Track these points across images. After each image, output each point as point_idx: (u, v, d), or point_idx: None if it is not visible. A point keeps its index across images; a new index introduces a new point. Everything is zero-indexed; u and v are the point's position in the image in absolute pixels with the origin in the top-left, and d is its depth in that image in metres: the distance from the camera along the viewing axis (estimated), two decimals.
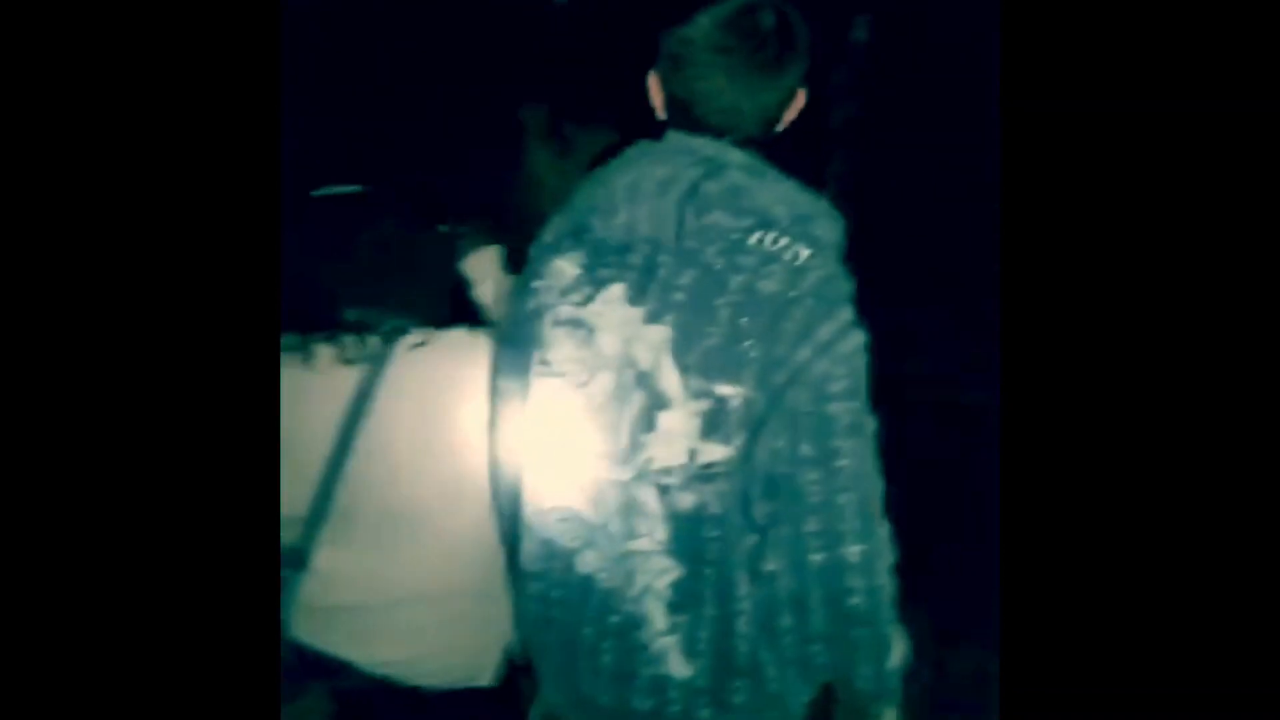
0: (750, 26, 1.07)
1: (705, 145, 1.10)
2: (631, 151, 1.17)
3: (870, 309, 1.13)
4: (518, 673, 1.55)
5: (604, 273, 1.11)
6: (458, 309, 1.53)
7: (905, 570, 1.12)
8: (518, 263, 1.54)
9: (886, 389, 1.15)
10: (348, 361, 1.37)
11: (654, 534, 1.09)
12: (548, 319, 1.15)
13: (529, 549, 1.22)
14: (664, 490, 1.08)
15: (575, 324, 1.12)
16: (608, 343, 1.10)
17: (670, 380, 1.06)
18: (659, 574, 1.10)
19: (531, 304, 1.17)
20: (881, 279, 1.45)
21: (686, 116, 1.12)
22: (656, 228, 1.08)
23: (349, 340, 1.38)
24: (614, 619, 1.14)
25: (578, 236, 1.14)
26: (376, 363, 1.37)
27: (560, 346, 1.13)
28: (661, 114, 1.18)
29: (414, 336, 1.40)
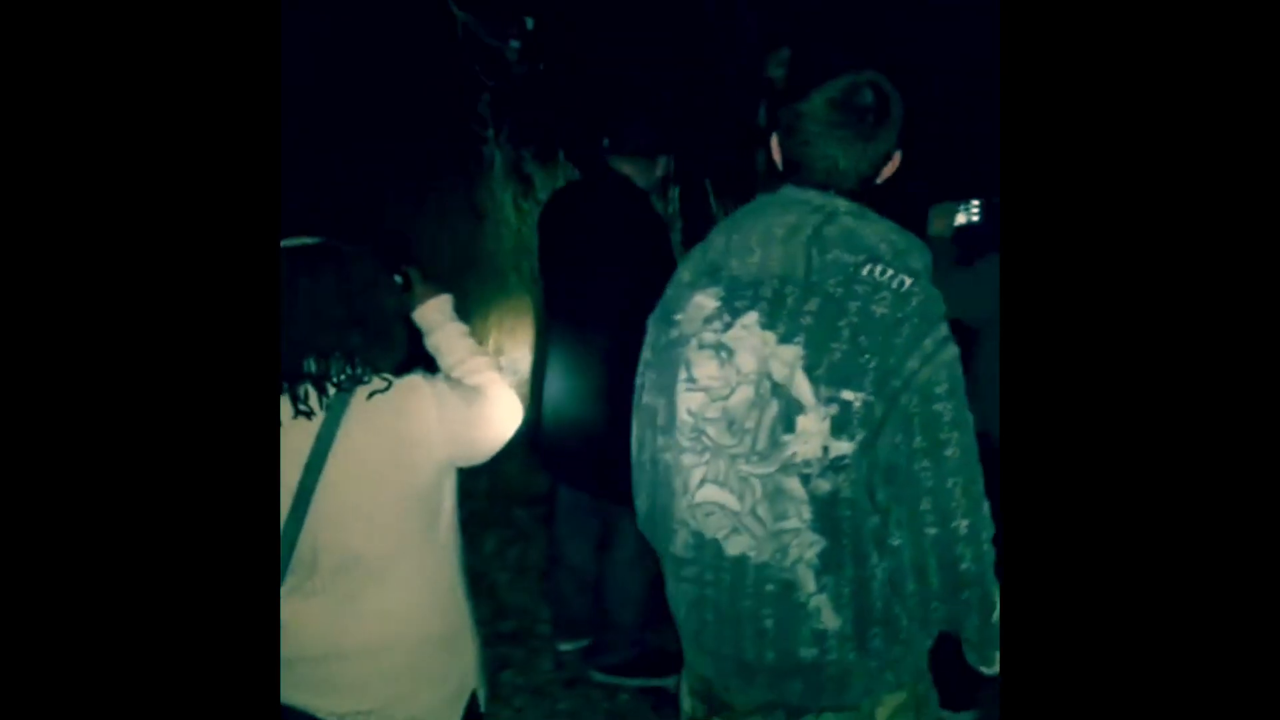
0: (854, 103, 1.33)
1: (818, 197, 1.35)
2: (755, 203, 1.42)
3: None
4: None
5: (740, 304, 1.35)
6: (415, 356, 1.55)
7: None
8: (466, 310, 1.60)
9: None
10: (304, 413, 1.39)
11: (800, 514, 1.32)
12: (692, 344, 1.38)
13: (681, 540, 1.43)
14: (805, 479, 1.31)
15: (717, 347, 1.35)
16: (745, 361, 1.33)
17: (804, 389, 1.29)
18: (808, 546, 1.33)
19: (674, 333, 1.42)
20: None
21: (800, 173, 1.38)
22: (785, 265, 1.32)
23: (307, 391, 1.39)
24: (770, 587, 1.36)
25: (713, 275, 1.39)
26: (333, 412, 1.39)
27: (704, 366, 1.37)
28: (779, 168, 1.43)
29: (370, 386, 1.42)
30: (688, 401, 1.39)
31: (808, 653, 1.37)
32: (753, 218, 1.39)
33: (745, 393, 1.33)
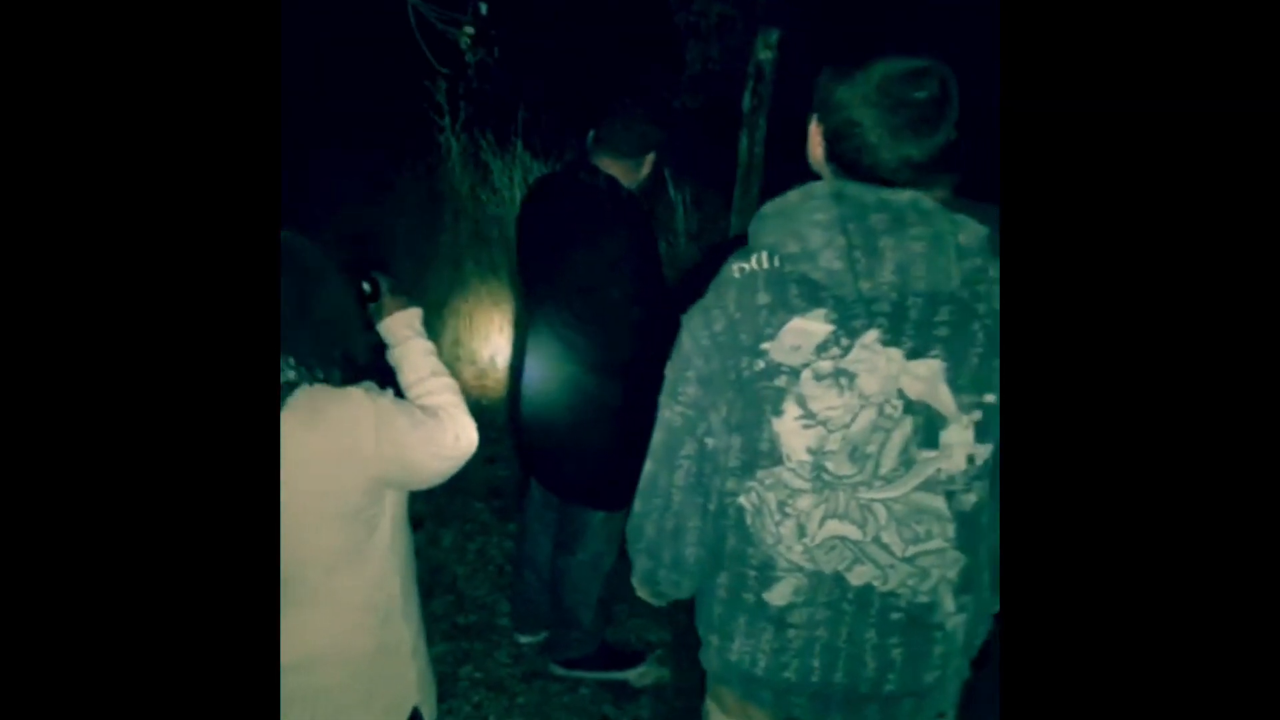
0: (917, 90, 1.20)
1: (895, 194, 1.23)
2: (812, 201, 1.25)
3: None
4: None
5: (856, 323, 1.23)
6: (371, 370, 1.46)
7: None
8: (424, 300, 1.52)
9: None
10: None
11: (945, 533, 1.27)
12: (804, 375, 1.25)
13: (790, 586, 1.33)
14: (950, 495, 1.26)
15: (837, 375, 1.24)
16: (868, 384, 1.24)
17: (948, 402, 1.23)
18: (950, 565, 1.29)
19: (760, 364, 1.26)
20: None
21: (850, 168, 1.25)
22: (933, 280, 1.21)
23: None
24: (896, 616, 1.31)
25: (814, 296, 1.24)
26: None
27: (823, 398, 1.25)
28: (818, 155, 1.30)
29: (302, 394, 1.34)
30: (804, 440, 1.26)
31: (931, 676, 1.33)
32: (841, 225, 1.22)
33: (867, 417, 1.25)
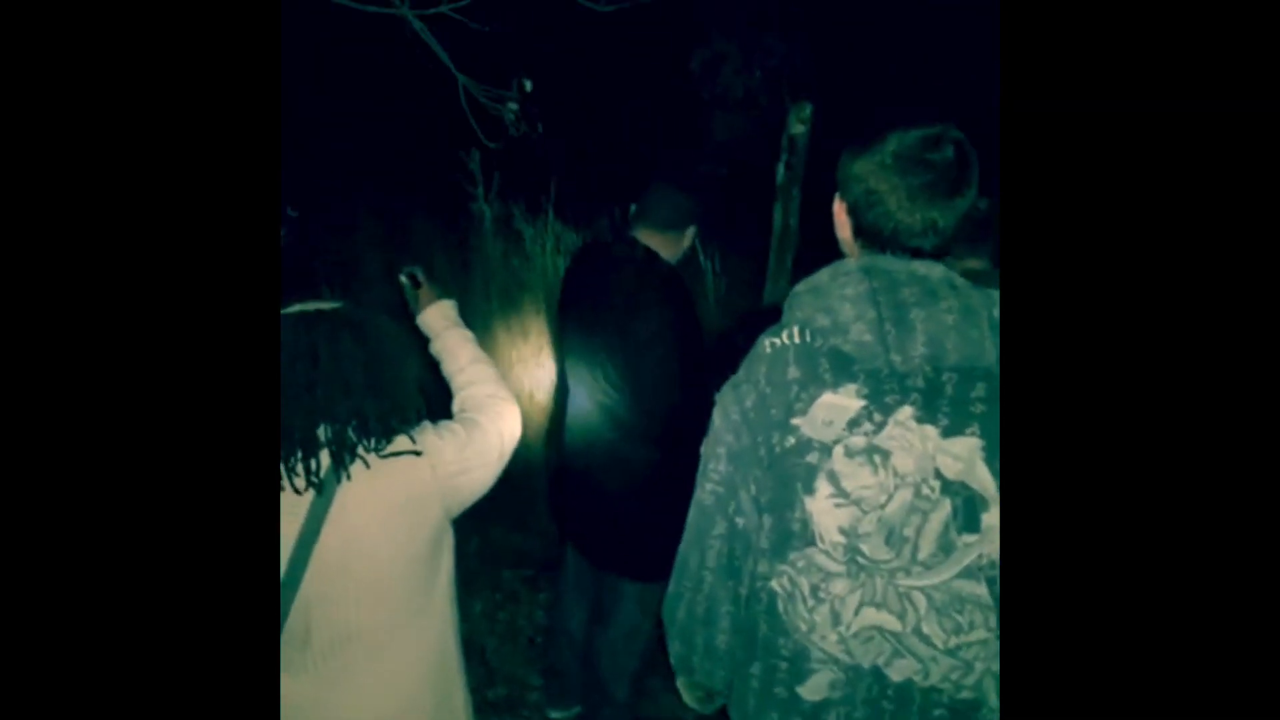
0: (935, 156, 1.18)
1: (926, 268, 1.19)
2: (843, 277, 1.22)
3: None
4: None
5: (890, 399, 1.17)
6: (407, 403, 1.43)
7: None
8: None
9: None
10: (314, 485, 1.28)
11: (988, 623, 1.18)
12: (836, 452, 1.19)
13: (824, 680, 1.25)
14: (992, 582, 1.17)
15: (870, 452, 1.18)
16: (903, 463, 1.16)
17: (987, 483, 1.15)
18: (995, 657, 1.19)
19: (791, 440, 1.21)
20: None
21: (876, 238, 1.22)
22: (967, 355, 1.15)
23: (316, 461, 1.29)
24: (939, 712, 1.21)
25: (845, 370, 1.19)
26: (327, 482, 1.29)
27: (856, 475, 1.18)
28: (846, 235, 1.27)
29: (362, 452, 1.32)
30: (837, 519, 1.19)
31: None
32: (872, 298, 1.18)
33: (903, 498, 1.17)
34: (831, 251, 1.31)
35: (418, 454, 1.34)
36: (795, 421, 1.21)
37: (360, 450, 1.31)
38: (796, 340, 1.23)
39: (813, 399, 1.20)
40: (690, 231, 2.37)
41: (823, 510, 1.20)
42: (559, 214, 4.37)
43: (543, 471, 3.57)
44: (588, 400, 2.41)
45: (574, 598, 2.68)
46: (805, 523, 1.21)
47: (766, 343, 1.26)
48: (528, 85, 2.44)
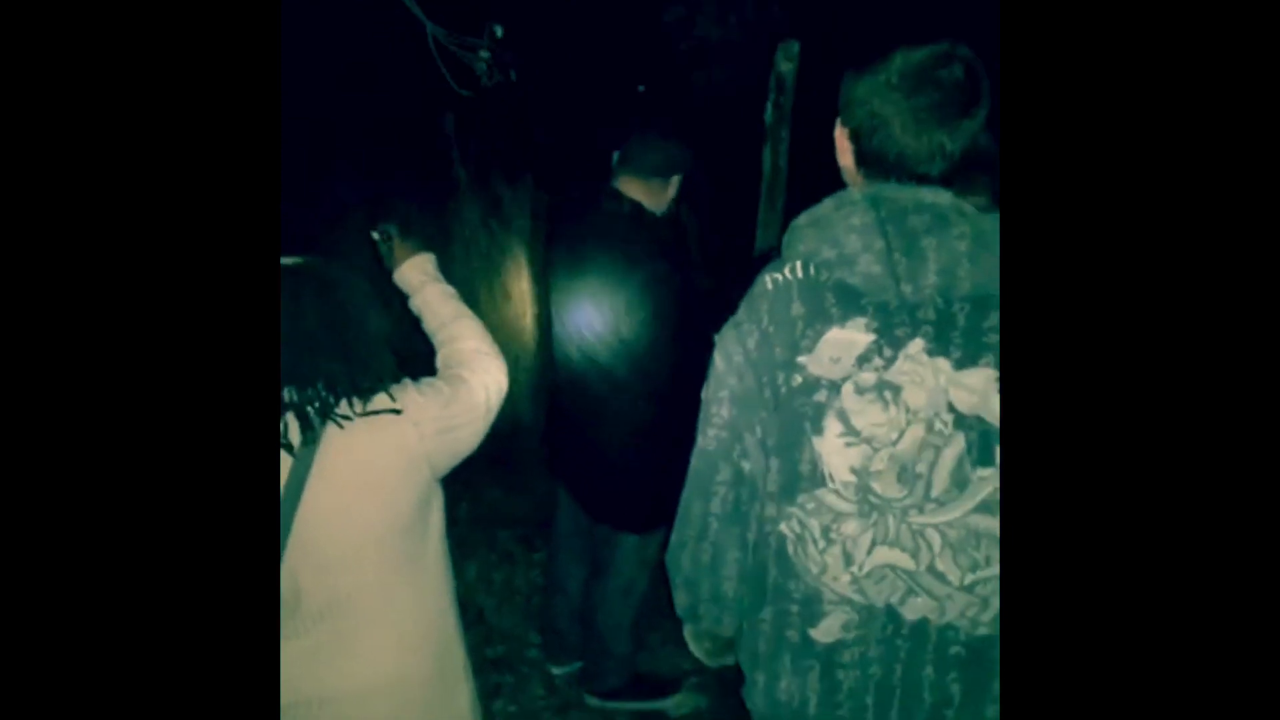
0: (943, 75, 1.11)
1: (935, 195, 1.14)
2: (849, 205, 1.16)
3: None
4: None
5: (900, 332, 1.12)
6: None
7: None
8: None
9: None
10: (285, 447, 1.24)
11: None
12: (845, 389, 1.14)
13: (837, 621, 1.21)
14: None
15: (880, 388, 1.13)
16: (914, 397, 1.12)
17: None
18: None
19: (797, 379, 1.16)
20: None
21: (880, 165, 1.16)
22: (979, 283, 1.10)
23: (285, 424, 1.24)
24: (956, 650, 1.18)
25: (853, 303, 1.14)
26: (305, 445, 1.24)
27: (866, 413, 1.14)
28: (848, 162, 1.21)
29: (341, 411, 1.27)
30: (847, 459, 1.15)
31: (993, 711, 1.20)
32: (880, 227, 1.13)
33: (915, 434, 1.13)
34: (823, 196, 1.25)
35: (397, 412, 1.30)
36: (801, 360, 1.16)
37: (331, 412, 1.27)
38: (799, 275, 1.18)
39: (819, 335, 1.15)
40: (675, 180, 2.32)
41: (832, 450, 1.16)
42: (537, 175, 4.30)
43: (532, 431, 3.54)
44: (579, 356, 2.38)
45: (568, 553, 2.67)
46: (814, 463, 1.17)
47: (768, 278, 1.21)
48: (498, 31, 2.37)
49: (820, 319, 1.15)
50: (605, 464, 2.39)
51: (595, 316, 2.28)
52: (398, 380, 1.36)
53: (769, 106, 2.29)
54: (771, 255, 2.39)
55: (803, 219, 1.21)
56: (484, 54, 2.40)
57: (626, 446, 2.35)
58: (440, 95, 2.89)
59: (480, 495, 3.48)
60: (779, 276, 1.19)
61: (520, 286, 4.31)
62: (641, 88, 2.22)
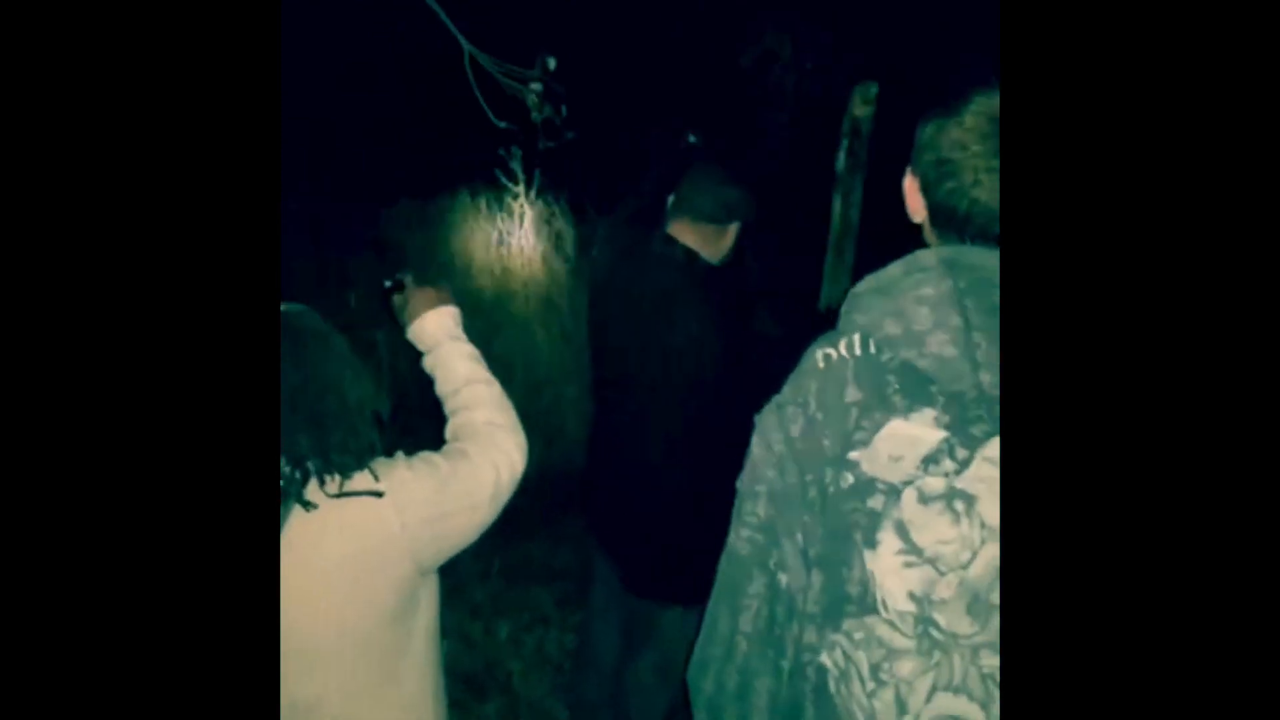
0: None
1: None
2: (921, 274, 0.99)
3: None
4: None
5: (977, 430, 0.93)
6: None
7: None
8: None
9: None
10: None
11: None
12: (907, 497, 0.94)
13: None
14: None
15: (950, 497, 0.93)
16: (992, 510, 0.92)
17: None
18: None
19: (848, 479, 0.96)
20: None
21: (951, 221, 1.01)
22: None
23: None
24: None
25: (921, 391, 0.95)
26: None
27: (932, 527, 0.93)
28: (919, 218, 1.07)
29: (311, 493, 1.08)
30: (906, 582, 0.95)
31: None
32: (956, 300, 0.96)
33: (990, 555, 0.92)
34: (898, 253, 1.08)
35: (378, 495, 1.11)
36: (854, 456, 0.97)
37: (299, 494, 1.08)
38: (857, 352, 0.99)
39: (877, 427, 0.96)
40: (734, 228, 2.11)
41: (888, 569, 0.95)
42: (600, 211, 4.14)
43: (578, 476, 3.35)
44: (621, 411, 2.18)
45: (604, 623, 2.45)
46: (865, 584, 0.96)
47: (819, 354, 1.02)
48: (551, 63, 2.20)
49: (880, 407, 0.96)
50: (644, 530, 2.17)
51: (641, 370, 2.07)
52: (381, 455, 1.17)
53: (840, 154, 2.07)
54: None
55: (864, 285, 1.03)
56: (535, 85, 2.24)
57: (668, 512, 2.13)
58: (492, 124, 2.76)
59: (517, 547, 3.28)
60: (832, 353, 1.01)
61: (581, 328, 4.15)
62: (692, 138, 2.02)
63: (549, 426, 3.78)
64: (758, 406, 1.12)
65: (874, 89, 2.04)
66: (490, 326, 4.09)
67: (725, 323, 2.00)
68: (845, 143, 2.07)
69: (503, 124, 2.26)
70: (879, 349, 0.98)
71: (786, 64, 5.10)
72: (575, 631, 2.98)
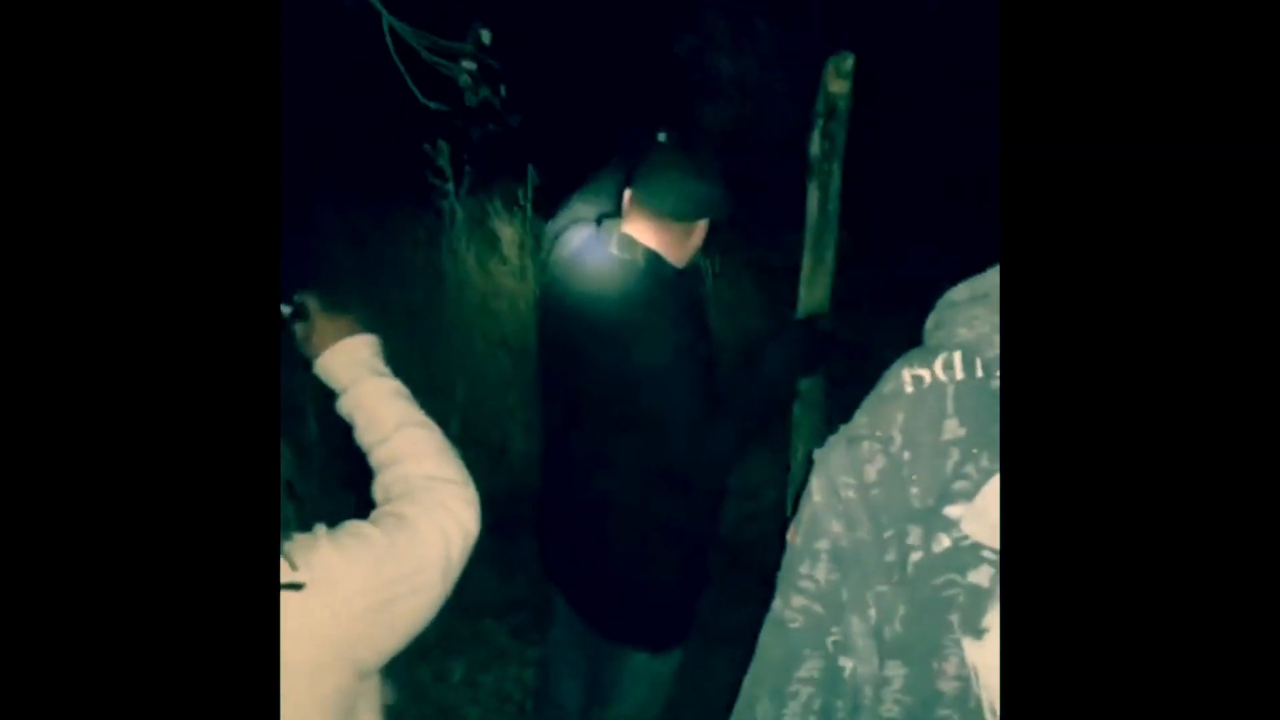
0: None
1: None
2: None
3: None
4: None
5: None
6: None
7: None
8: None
9: None
10: None
11: None
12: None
13: None
14: None
15: None
16: None
17: None
18: None
19: (945, 542, 0.78)
20: None
21: None
22: None
23: None
24: None
25: None
26: None
27: None
28: None
29: None
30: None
31: None
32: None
33: None
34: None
35: (296, 588, 0.84)
36: (952, 511, 0.76)
37: None
38: (959, 375, 0.79)
39: (985, 476, 0.75)
40: (703, 225, 1.86)
41: (996, 666, 0.73)
42: (538, 210, 3.88)
43: (530, 499, 3.09)
44: (578, 446, 1.92)
45: (564, 669, 2.20)
46: (965, 681, 0.75)
47: (906, 375, 0.82)
48: (485, 36, 1.92)
49: (989, 448, 0.76)
50: (610, 569, 1.93)
51: (599, 391, 1.81)
52: (321, 527, 0.91)
53: (814, 135, 1.84)
54: (818, 320, 1.87)
55: (962, 292, 0.84)
56: (467, 63, 1.97)
57: (635, 548, 1.88)
58: (432, 119, 2.47)
59: (467, 576, 3.00)
60: (924, 374, 0.80)
61: (524, 336, 3.87)
62: (663, 135, 1.78)
63: (492, 443, 3.51)
64: (728, 433, 0.90)
65: (850, 60, 1.82)
66: (425, 335, 3.80)
67: (694, 342, 1.76)
68: (819, 124, 1.85)
69: (433, 104, 1.98)
70: (987, 372, 0.77)
71: (727, 53, 4.92)
72: (534, 666, 2.73)
